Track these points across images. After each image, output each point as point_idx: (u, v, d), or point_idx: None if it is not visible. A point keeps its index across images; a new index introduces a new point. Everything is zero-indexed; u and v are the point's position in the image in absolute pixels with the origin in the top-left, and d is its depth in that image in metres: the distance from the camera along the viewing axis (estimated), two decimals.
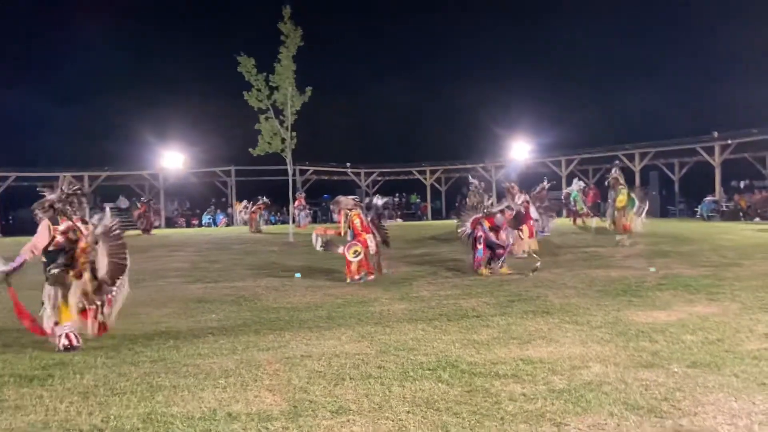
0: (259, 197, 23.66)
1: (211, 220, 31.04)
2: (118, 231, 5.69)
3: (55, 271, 5.35)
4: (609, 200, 14.46)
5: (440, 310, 6.75)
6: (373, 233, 9.47)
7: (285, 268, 11.08)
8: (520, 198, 12.45)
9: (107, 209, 6.21)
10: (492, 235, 9.49)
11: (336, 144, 34.85)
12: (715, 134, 24.58)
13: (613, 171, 14.33)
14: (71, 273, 5.35)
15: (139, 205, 25.27)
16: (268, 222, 26.66)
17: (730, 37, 29.10)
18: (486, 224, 9.54)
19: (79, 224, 5.50)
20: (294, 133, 18.04)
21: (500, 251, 9.54)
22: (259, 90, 17.57)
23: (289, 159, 18.35)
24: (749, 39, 27.68)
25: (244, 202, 24.78)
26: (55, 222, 5.41)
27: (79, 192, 5.71)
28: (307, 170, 32.14)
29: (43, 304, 5.42)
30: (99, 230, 5.54)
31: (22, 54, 36.82)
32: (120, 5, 36.29)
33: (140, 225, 23.40)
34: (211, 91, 32.89)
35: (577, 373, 4.23)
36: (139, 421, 3.54)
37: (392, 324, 6.04)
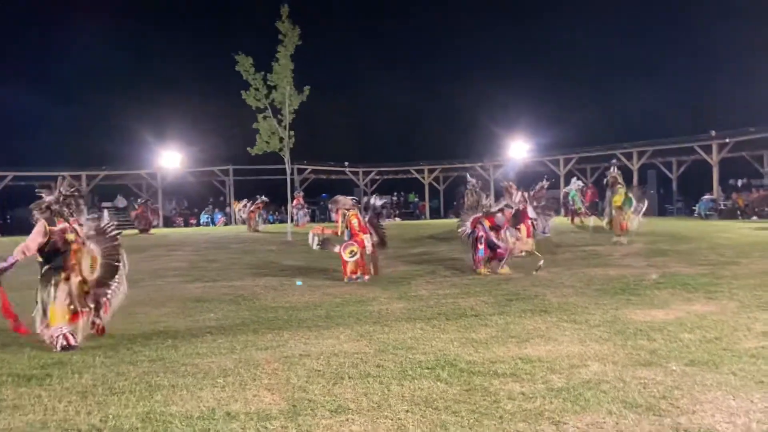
0: (258, 196, 23.65)
1: (209, 220, 31.01)
2: (113, 232, 5.70)
3: (45, 270, 5.35)
4: (607, 199, 14.48)
5: (439, 309, 6.75)
6: (371, 233, 9.47)
7: (284, 267, 11.08)
8: (517, 196, 12.44)
9: (105, 212, 6.22)
10: (493, 235, 9.49)
11: (334, 143, 34.87)
12: (713, 133, 24.61)
13: (612, 170, 14.34)
14: (62, 274, 5.34)
15: (136, 206, 25.24)
16: (266, 221, 26.64)
17: (727, 36, 29.19)
18: (486, 224, 9.54)
19: (75, 226, 5.50)
20: (292, 132, 18.04)
21: (501, 251, 9.53)
22: (257, 89, 17.56)
23: (287, 158, 18.34)
24: (747, 38, 27.77)
25: (244, 201, 24.75)
26: (51, 223, 5.41)
27: (76, 193, 5.71)
28: (305, 169, 32.13)
29: (37, 303, 5.42)
30: (91, 231, 5.55)
31: (20, 53, 36.75)
32: (118, 4, 36.32)
33: (138, 225, 23.40)
34: (209, 90, 32.92)
35: (575, 372, 4.24)
36: (138, 421, 3.54)
37: (391, 323, 6.05)
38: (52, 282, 5.33)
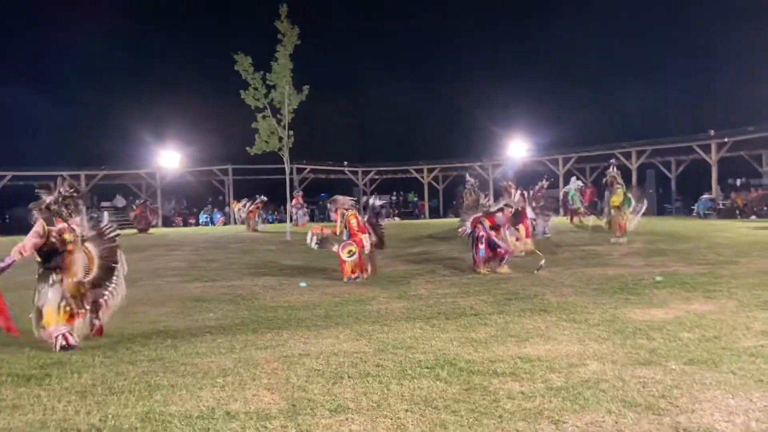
0: (257, 196, 23.65)
1: (208, 219, 31.00)
2: (112, 233, 5.70)
3: (42, 270, 5.36)
4: (605, 199, 14.48)
5: (438, 308, 6.76)
6: (369, 233, 9.47)
7: (283, 267, 11.08)
8: (516, 196, 12.44)
9: (106, 213, 6.22)
10: (493, 234, 9.49)
11: (333, 143, 34.86)
12: (712, 132, 24.64)
13: (611, 170, 14.34)
14: (59, 275, 5.34)
15: (134, 206, 25.24)
16: (265, 221, 26.63)
17: (727, 36, 29.21)
18: (487, 223, 9.53)
19: (74, 226, 5.50)
20: (291, 132, 18.03)
21: (501, 251, 9.53)
22: (256, 89, 17.55)
23: (286, 158, 18.34)
24: (747, 38, 27.78)
25: (243, 201, 24.76)
26: (50, 223, 5.41)
27: (75, 194, 5.70)
28: (305, 169, 32.13)
29: (34, 305, 5.42)
30: (89, 231, 5.55)
31: (18, 52, 36.70)
32: (117, 4, 36.28)
33: (137, 225, 23.40)
34: (208, 89, 32.91)
35: (574, 371, 4.24)
36: (138, 420, 3.54)
37: (390, 322, 6.05)
38: (50, 282, 5.33)
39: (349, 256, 9.10)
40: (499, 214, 9.66)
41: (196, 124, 31.77)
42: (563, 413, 3.48)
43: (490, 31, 38.90)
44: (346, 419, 3.49)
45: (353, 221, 9.23)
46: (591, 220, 18.26)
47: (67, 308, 5.34)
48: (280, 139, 17.96)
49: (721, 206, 23.72)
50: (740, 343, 4.84)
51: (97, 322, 5.64)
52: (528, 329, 5.56)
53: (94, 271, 5.54)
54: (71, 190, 5.68)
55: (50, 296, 5.31)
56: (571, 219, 20.13)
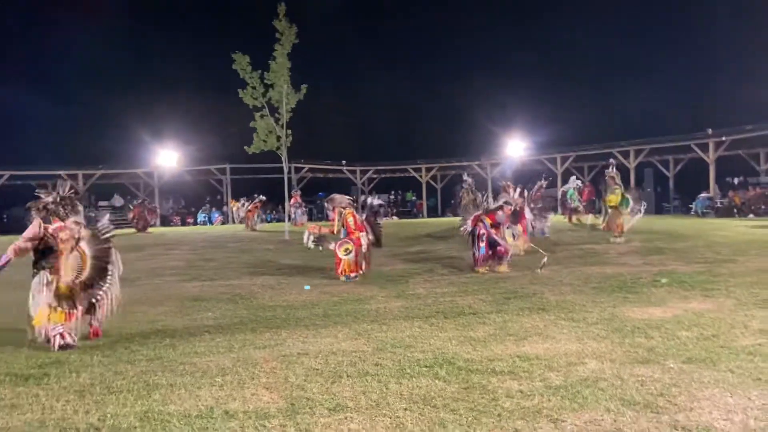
0: (256, 195, 23.65)
1: (206, 219, 30.99)
2: (107, 234, 5.69)
3: (37, 269, 5.35)
4: (603, 198, 14.50)
5: (437, 307, 6.76)
6: (367, 231, 9.46)
7: (281, 266, 11.08)
8: (515, 195, 12.44)
9: (106, 215, 6.21)
10: (494, 232, 9.48)
11: (331, 142, 34.88)
12: (710, 131, 24.69)
13: (610, 169, 14.33)
14: (53, 275, 5.33)
15: (132, 207, 25.21)
16: (264, 220, 26.63)
17: (725, 36, 29.26)
18: (487, 221, 9.52)
19: (71, 226, 5.49)
20: (289, 131, 18.02)
21: (501, 249, 9.52)
22: (254, 88, 17.54)
23: (284, 157, 18.33)
24: (744, 37, 27.83)
25: (242, 200, 24.75)
26: (47, 222, 5.41)
27: (74, 195, 5.70)
28: (303, 168, 32.12)
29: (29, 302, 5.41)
30: (85, 231, 5.54)
31: (15, 52, 36.63)
32: (115, 3, 36.22)
33: (136, 225, 23.39)
34: (206, 89, 32.85)
35: (573, 370, 4.25)
36: (136, 420, 3.54)
37: (389, 321, 6.05)
38: (44, 282, 5.32)
39: (346, 254, 9.10)
40: (500, 212, 9.66)
41: (194, 123, 31.80)
42: (562, 412, 3.48)
43: (490, 31, 38.98)
44: (345, 418, 3.49)
45: (350, 219, 9.23)
46: (589, 219, 18.29)
47: (58, 309, 5.33)
48: (278, 138, 17.95)
49: (719, 205, 23.77)
50: (738, 342, 4.85)
51: (95, 323, 5.63)
52: (526, 328, 5.57)
53: (87, 271, 5.52)
54: (70, 191, 5.68)
55: (42, 296, 5.29)
56: (570, 218, 20.15)
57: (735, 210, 22.76)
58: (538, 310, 6.38)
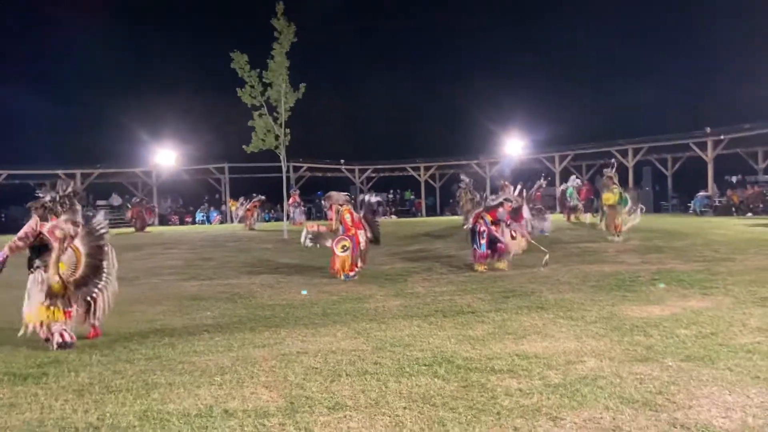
0: (254, 195, 23.63)
1: (204, 218, 30.96)
2: (101, 231, 5.68)
3: (33, 267, 5.34)
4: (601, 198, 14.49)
5: (435, 306, 6.76)
6: (365, 229, 9.46)
7: (280, 265, 11.07)
8: (515, 192, 12.42)
9: (101, 212, 6.18)
10: (494, 229, 9.48)
11: (330, 141, 34.86)
12: (708, 130, 24.72)
13: (609, 169, 14.32)
14: (47, 272, 5.32)
15: (129, 206, 25.19)
16: (262, 219, 26.62)
17: (725, 36, 29.29)
18: (488, 218, 9.52)
19: (67, 224, 5.48)
20: (288, 130, 17.98)
21: (501, 246, 9.52)
22: (252, 87, 17.49)
23: (282, 156, 18.30)
24: (743, 37, 27.87)
25: (241, 200, 24.75)
26: (44, 219, 5.40)
27: (73, 194, 5.69)
28: (301, 167, 32.12)
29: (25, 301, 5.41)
30: (80, 229, 5.53)
31: (15, 52, 36.56)
32: (114, 3, 36.17)
33: (135, 224, 23.38)
34: (204, 88, 32.85)
35: (572, 368, 4.25)
36: (135, 419, 3.53)
37: (387, 320, 6.05)
38: (40, 280, 5.32)
39: (343, 251, 9.09)
40: (501, 209, 9.66)
41: (193, 122, 31.79)
42: (561, 410, 3.49)
43: (491, 32, 39.01)
44: (344, 417, 3.49)
45: (347, 217, 9.21)
46: (588, 218, 18.30)
47: (52, 307, 5.32)
48: (277, 137, 17.91)
49: (717, 203, 23.80)
50: (737, 340, 4.85)
51: (95, 322, 5.63)
52: (525, 326, 5.57)
53: (81, 269, 5.52)
54: (70, 190, 5.67)
55: (36, 295, 5.29)
56: (568, 217, 20.18)
57: (733, 208, 22.79)
58: (537, 308, 6.38)
